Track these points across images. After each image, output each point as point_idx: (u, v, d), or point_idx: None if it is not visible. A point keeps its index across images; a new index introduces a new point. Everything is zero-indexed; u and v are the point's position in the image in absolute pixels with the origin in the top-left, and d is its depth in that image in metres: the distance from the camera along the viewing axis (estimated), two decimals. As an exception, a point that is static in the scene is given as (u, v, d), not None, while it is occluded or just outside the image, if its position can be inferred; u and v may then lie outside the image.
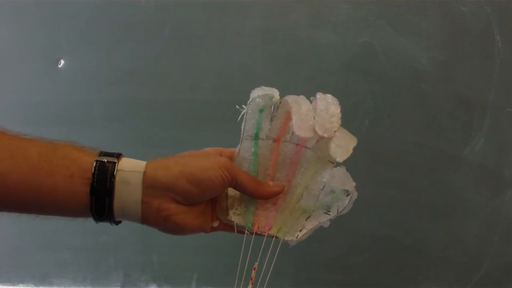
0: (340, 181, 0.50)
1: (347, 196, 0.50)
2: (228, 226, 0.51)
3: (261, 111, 0.51)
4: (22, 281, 0.91)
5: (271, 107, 0.51)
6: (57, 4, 0.89)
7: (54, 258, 0.91)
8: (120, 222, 0.46)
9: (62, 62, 0.90)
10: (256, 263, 0.49)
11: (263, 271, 0.50)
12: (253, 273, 0.49)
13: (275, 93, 0.51)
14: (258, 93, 0.51)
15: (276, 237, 0.51)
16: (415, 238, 0.86)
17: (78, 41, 0.90)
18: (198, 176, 0.45)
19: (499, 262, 0.86)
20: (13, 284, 0.91)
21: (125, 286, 0.90)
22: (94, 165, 0.43)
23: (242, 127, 0.52)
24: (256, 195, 0.49)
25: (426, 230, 0.86)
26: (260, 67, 0.87)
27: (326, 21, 0.86)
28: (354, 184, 0.50)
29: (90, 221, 0.45)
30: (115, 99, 0.89)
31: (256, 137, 0.51)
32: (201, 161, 0.47)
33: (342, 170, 0.50)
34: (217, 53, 0.87)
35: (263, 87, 0.51)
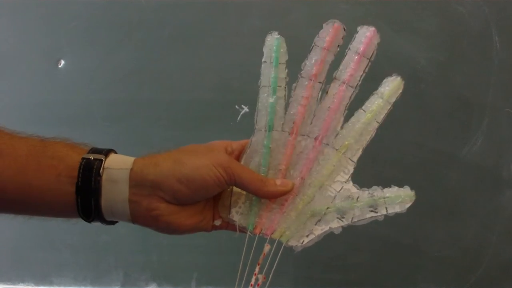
0: (394, 199, 0.47)
1: (370, 211, 0.46)
2: (232, 225, 0.48)
3: (276, 62, 0.49)
4: (22, 280, 0.91)
5: (284, 53, 0.49)
6: (57, 4, 0.89)
7: (54, 258, 0.91)
8: (115, 222, 0.44)
9: (62, 62, 0.90)
10: (257, 272, 0.46)
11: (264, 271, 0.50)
12: (253, 279, 0.46)
13: (274, 35, 0.49)
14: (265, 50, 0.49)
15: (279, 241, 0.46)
16: (413, 238, 0.86)
17: (79, 41, 0.90)
18: (189, 175, 0.41)
19: (497, 262, 0.86)
20: (13, 283, 0.91)
21: (125, 286, 0.90)
22: (80, 163, 0.40)
23: (255, 117, 0.48)
24: (260, 195, 0.45)
25: (424, 229, 0.86)
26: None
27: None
28: (402, 211, 0.47)
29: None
30: (115, 99, 0.89)
31: (270, 128, 0.47)
32: (195, 158, 0.42)
33: (407, 192, 0.48)
34: (217, 53, 0.87)
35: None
